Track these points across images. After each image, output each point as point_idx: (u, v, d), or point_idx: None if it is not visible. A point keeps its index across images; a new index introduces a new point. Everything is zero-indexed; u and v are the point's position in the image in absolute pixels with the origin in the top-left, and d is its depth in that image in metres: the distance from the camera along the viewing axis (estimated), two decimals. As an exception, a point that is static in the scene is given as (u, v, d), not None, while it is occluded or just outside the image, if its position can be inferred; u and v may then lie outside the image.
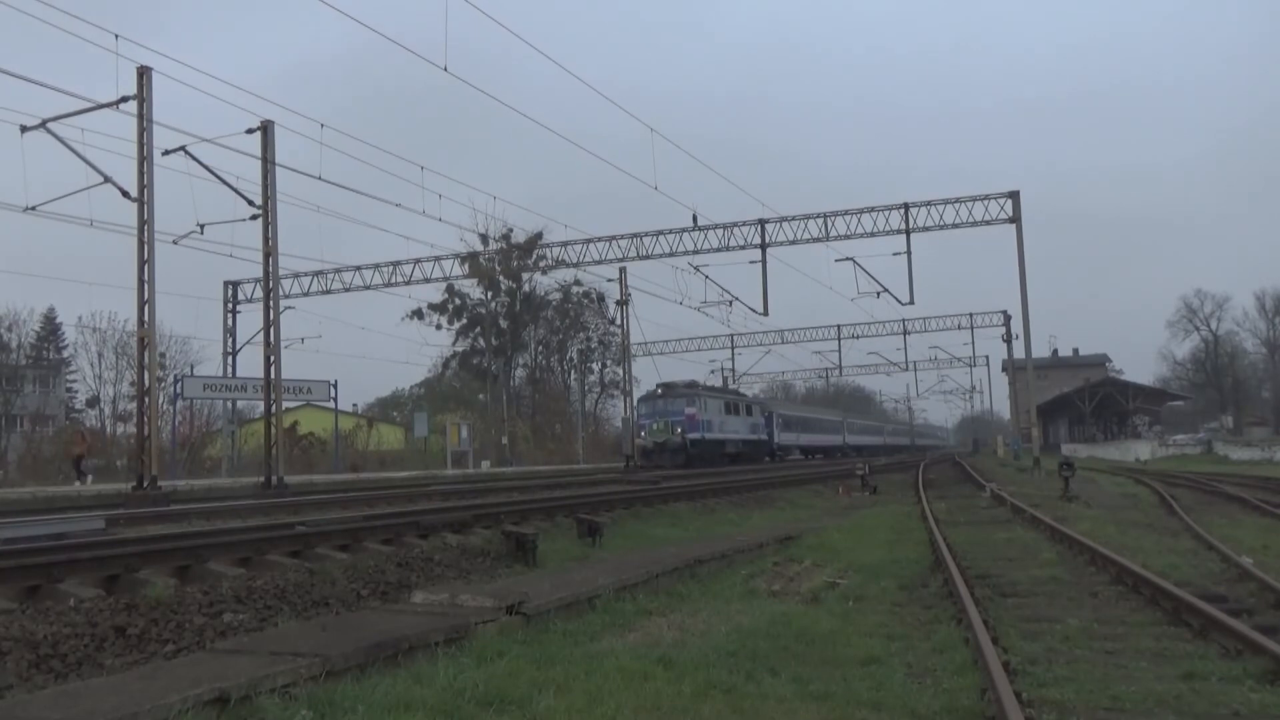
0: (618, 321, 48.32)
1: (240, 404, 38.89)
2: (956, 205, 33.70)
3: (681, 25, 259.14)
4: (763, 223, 34.92)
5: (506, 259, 51.91)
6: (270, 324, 21.72)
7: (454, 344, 60.69)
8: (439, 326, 58.98)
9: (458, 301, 58.55)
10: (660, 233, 35.94)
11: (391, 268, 39.62)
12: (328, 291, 40.38)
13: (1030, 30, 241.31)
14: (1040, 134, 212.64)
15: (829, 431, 68.70)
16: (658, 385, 43.16)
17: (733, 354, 67.65)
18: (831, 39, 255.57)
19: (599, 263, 37.51)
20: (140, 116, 19.67)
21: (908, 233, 33.69)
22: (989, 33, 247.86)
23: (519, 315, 60.82)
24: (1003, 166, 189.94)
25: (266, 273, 22.74)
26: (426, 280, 40.60)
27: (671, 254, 36.05)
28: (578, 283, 58.36)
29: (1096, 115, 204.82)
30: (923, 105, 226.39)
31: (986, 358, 76.91)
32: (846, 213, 34.46)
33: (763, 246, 34.82)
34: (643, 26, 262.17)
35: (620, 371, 43.54)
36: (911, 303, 35.44)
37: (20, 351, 58.37)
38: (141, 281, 19.60)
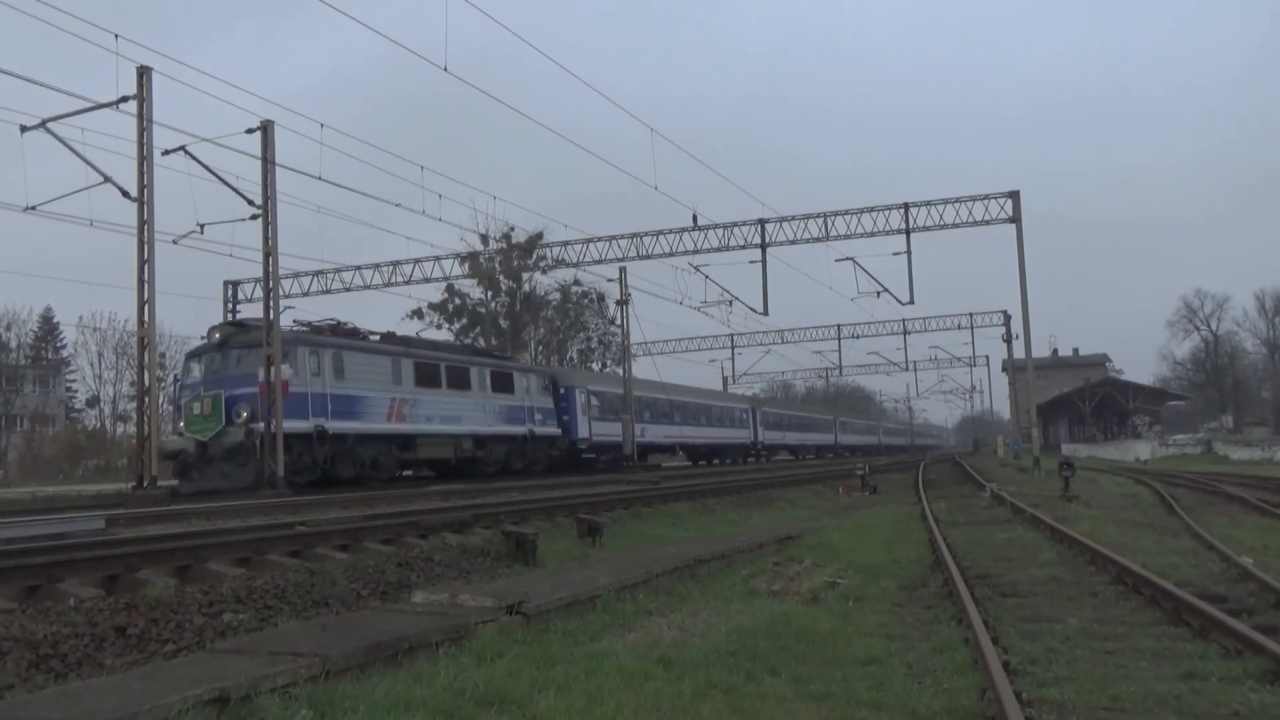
0: (618, 321, 47.72)
1: (240, 404, 38.79)
2: (956, 205, 33.68)
3: (685, 29, 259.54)
4: (763, 223, 34.91)
5: (507, 259, 51.91)
6: (270, 324, 21.69)
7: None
8: (439, 326, 58.95)
9: (458, 301, 58.59)
10: (660, 232, 35.91)
11: (391, 268, 39.62)
12: (328, 291, 40.38)
13: (1030, 37, 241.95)
14: (1040, 137, 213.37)
15: (716, 422, 49.10)
16: (213, 328, 23.49)
17: (733, 354, 67.65)
18: (833, 43, 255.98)
19: (599, 262, 37.46)
20: (140, 116, 19.67)
21: (908, 233, 33.67)
22: (989, 38, 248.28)
23: (519, 315, 60.84)
24: (1002, 168, 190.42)
25: (266, 273, 22.72)
26: (426, 280, 40.58)
27: (671, 254, 36.02)
28: (577, 283, 58.37)
29: (1095, 119, 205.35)
30: (923, 109, 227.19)
31: (986, 358, 76.87)
32: (846, 213, 34.43)
33: (763, 246, 34.81)
34: (647, 31, 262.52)
35: (621, 371, 42.15)
36: (911, 303, 35.44)
37: (20, 351, 58.43)
38: (141, 281, 19.60)
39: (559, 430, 33.00)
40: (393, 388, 24.73)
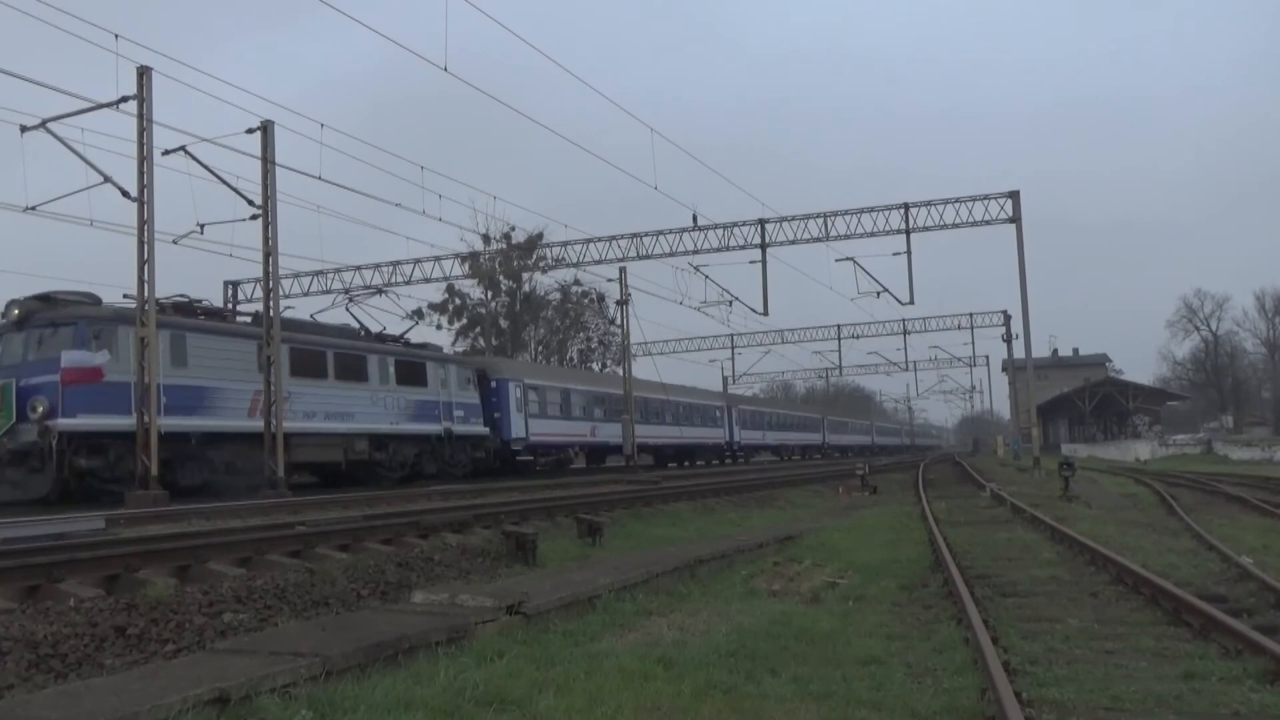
0: (618, 321, 47.55)
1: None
2: (956, 205, 33.68)
3: (685, 30, 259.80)
4: (763, 223, 34.91)
5: (507, 259, 51.92)
6: (270, 324, 21.67)
7: (454, 344, 60.77)
8: (439, 326, 58.97)
9: (458, 301, 58.62)
10: (660, 233, 35.92)
11: (391, 268, 39.65)
12: (327, 291, 40.39)
13: (1030, 37, 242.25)
14: (1040, 137, 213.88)
15: (684, 421, 44.97)
16: (10, 303, 19.55)
17: (733, 354, 67.67)
18: (833, 43, 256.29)
19: (599, 262, 37.45)
20: (140, 116, 19.64)
21: (908, 233, 33.68)
22: (989, 38, 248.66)
23: (519, 315, 60.89)
24: (1002, 168, 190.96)
25: (266, 273, 22.69)
26: (426, 280, 40.62)
27: (671, 254, 36.02)
28: (578, 283, 58.46)
29: (1095, 119, 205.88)
30: (923, 109, 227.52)
31: (986, 358, 76.97)
32: (846, 213, 34.43)
33: (763, 246, 34.81)
34: (647, 31, 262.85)
35: (620, 372, 41.89)
36: (911, 303, 35.45)
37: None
38: (141, 281, 19.55)
39: (486, 429, 29.11)
40: (258, 378, 20.89)
